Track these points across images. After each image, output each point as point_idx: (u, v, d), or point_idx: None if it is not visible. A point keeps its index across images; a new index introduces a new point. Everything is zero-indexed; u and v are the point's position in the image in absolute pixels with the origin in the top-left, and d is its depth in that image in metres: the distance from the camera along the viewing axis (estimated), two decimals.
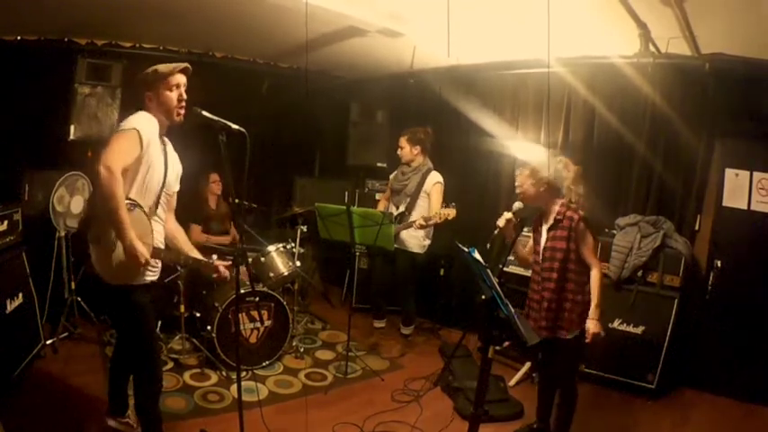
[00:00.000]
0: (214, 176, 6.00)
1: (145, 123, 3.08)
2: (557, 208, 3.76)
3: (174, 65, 3.21)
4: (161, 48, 6.26)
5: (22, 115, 5.57)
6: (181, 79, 3.22)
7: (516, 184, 3.89)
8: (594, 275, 3.65)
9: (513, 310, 3.07)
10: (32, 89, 5.62)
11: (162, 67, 3.18)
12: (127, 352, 3.55)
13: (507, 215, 3.79)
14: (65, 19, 5.19)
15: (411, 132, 5.70)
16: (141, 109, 3.19)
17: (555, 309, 3.72)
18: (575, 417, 3.91)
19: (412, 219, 5.50)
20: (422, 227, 5.31)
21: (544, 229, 3.85)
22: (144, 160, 3.09)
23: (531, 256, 4.02)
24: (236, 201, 3.89)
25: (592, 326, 3.59)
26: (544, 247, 3.82)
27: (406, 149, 5.70)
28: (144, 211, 3.17)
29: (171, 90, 3.18)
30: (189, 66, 3.27)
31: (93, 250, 3.08)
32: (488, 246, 3.95)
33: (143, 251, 3.02)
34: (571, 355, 3.88)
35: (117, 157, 2.91)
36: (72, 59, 5.57)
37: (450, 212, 5.11)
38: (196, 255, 3.54)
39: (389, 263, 5.74)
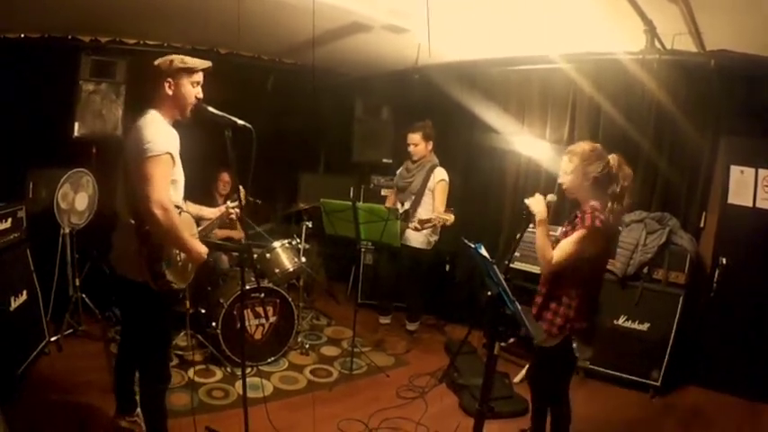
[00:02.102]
0: (224, 176, 5.98)
1: (170, 138, 3.05)
2: (587, 207, 3.35)
3: (201, 61, 3.20)
4: (165, 44, 6.23)
5: (25, 112, 5.58)
6: (201, 78, 3.21)
7: (562, 167, 3.48)
8: (546, 249, 3.36)
9: (519, 307, 3.06)
10: (36, 86, 5.62)
11: (189, 60, 3.15)
12: (135, 350, 3.51)
13: (540, 197, 3.43)
14: (68, 16, 5.19)
15: (422, 128, 5.62)
16: (150, 97, 3.14)
17: (540, 305, 3.49)
18: (576, 415, 3.84)
19: (417, 216, 5.47)
20: (416, 230, 5.25)
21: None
22: (174, 171, 3.10)
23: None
24: (248, 198, 3.92)
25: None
26: (556, 240, 3.53)
27: (421, 146, 5.63)
28: (185, 210, 3.29)
29: (193, 86, 3.17)
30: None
31: (127, 248, 3.12)
32: (519, 236, 3.73)
33: (203, 250, 3.23)
34: (554, 366, 3.59)
35: (161, 188, 2.93)
36: (76, 56, 5.55)
37: (449, 218, 5.05)
38: (207, 214, 3.82)
39: (395, 259, 5.73)
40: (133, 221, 3.06)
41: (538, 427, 3.86)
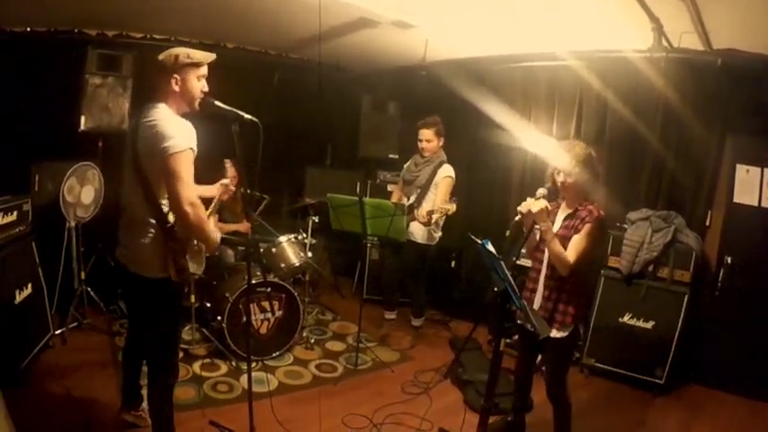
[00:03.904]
0: (231, 171, 5.95)
1: (189, 133, 3.03)
2: (585, 203, 3.49)
3: (205, 53, 3.19)
4: (172, 38, 6.25)
5: (32, 106, 5.57)
6: (206, 71, 3.20)
7: (561, 168, 3.52)
8: (563, 255, 3.39)
9: (525, 303, 3.07)
10: (43, 80, 5.63)
11: (194, 54, 3.13)
12: (145, 345, 3.49)
13: (535, 203, 3.43)
14: (75, 10, 5.19)
15: (435, 124, 5.56)
16: (156, 92, 3.13)
17: (554, 300, 3.52)
18: (580, 412, 3.85)
19: (422, 209, 5.44)
20: (426, 224, 5.27)
21: (559, 217, 3.61)
22: None
23: (535, 244, 3.73)
24: (251, 192, 3.93)
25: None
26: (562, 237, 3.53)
27: (434, 143, 5.57)
28: None
29: (199, 79, 3.16)
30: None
31: (142, 245, 3.12)
32: (507, 233, 3.74)
33: (218, 237, 3.31)
34: (560, 356, 3.67)
35: (189, 185, 2.97)
36: (82, 50, 5.54)
37: (450, 207, 5.01)
38: (203, 192, 3.80)
39: (399, 254, 5.72)
40: (153, 220, 3.07)
41: (520, 420, 4.04)
